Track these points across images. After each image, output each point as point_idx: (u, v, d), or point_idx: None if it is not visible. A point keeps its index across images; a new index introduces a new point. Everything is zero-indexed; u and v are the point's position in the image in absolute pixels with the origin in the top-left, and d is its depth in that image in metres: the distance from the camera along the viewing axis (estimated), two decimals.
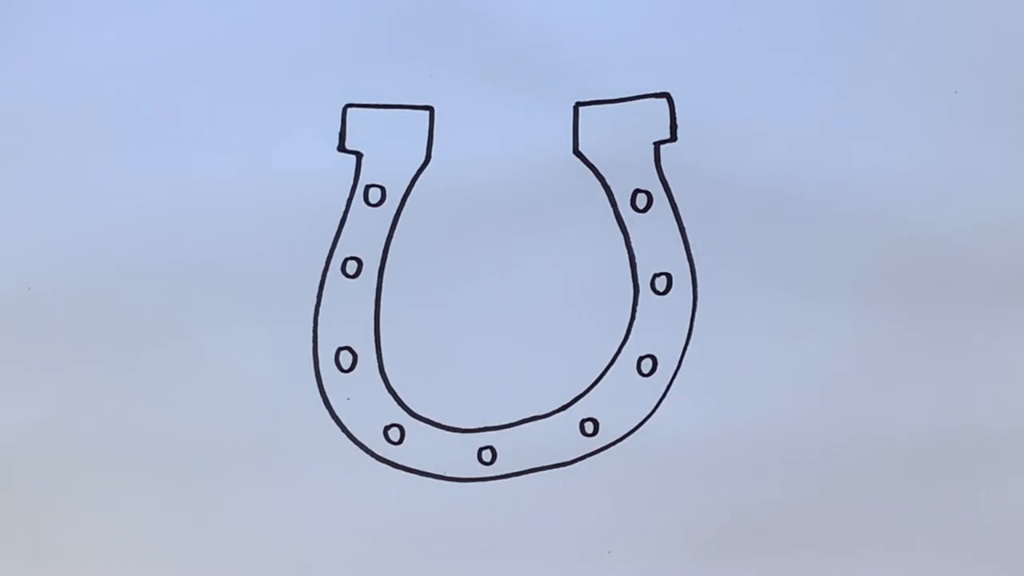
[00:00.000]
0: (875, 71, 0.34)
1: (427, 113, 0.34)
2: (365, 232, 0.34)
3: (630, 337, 0.35)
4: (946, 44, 0.34)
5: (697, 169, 0.34)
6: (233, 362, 0.34)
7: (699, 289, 0.35)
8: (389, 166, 0.34)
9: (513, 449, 0.35)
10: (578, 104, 0.34)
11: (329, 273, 0.34)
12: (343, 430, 0.35)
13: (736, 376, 0.35)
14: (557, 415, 0.35)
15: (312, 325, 0.34)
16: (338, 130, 0.34)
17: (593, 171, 0.34)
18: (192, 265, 0.34)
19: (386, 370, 0.35)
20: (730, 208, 0.34)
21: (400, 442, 0.35)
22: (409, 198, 0.34)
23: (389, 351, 0.35)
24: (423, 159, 0.34)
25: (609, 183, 0.34)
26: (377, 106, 0.34)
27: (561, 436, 0.35)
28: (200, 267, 0.34)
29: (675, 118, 0.34)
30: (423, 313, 0.34)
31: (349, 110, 0.34)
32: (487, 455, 0.35)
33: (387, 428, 0.35)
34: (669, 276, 0.35)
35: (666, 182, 0.34)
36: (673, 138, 0.34)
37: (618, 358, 0.35)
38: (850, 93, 0.34)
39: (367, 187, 0.34)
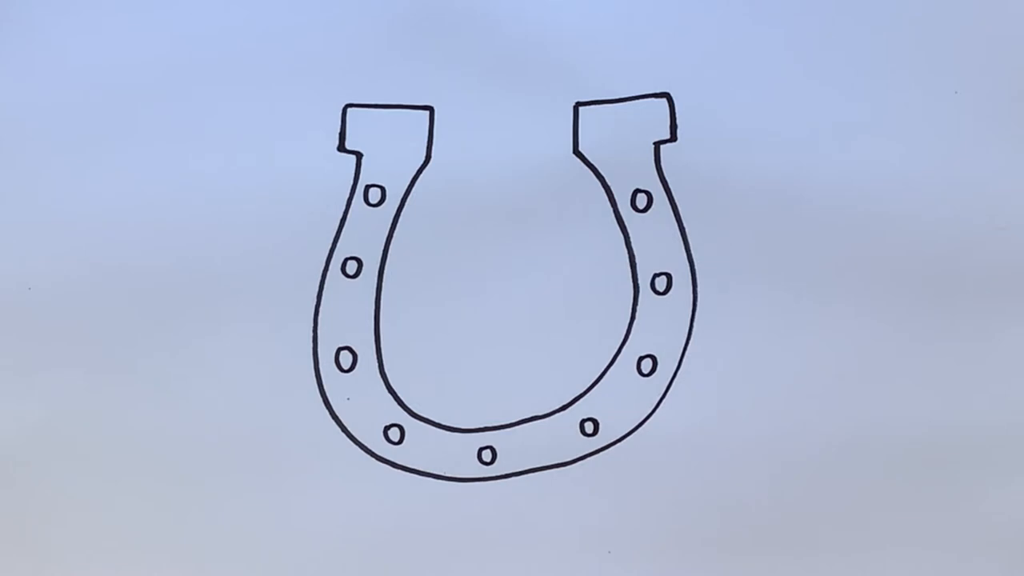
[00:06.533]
0: (875, 71, 0.34)
1: (427, 113, 0.34)
2: (365, 232, 0.34)
3: (630, 337, 0.35)
4: (946, 44, 0.34)
5: (697, 169, 0.34)
6: (233, 362, 0.34)
7: (699, 289, 0.35)
8: (389, 166, 0.34)
9: (513, 449, 0.35)
10: (578, 104, 0.34)
11: (329, 273, 0.34)
12: (343, 430, 0.35)
13: (736, 376, 0.35)
14: (557, 415, 0.35)
15: (312, 325, 0.34)
16: (338, 130, 0.34)
17: (593, 171, 0.34)
18: (192, 265, 0.34)
19: (386, 370, 0.35)
20: (730, 208, 0.34)
21: (400, 442, 0.35)
22: (409, 198, 0.34)
23: (389, 351, 0.35)
24: (423, 159, 0.34)
25: (609, 183, 0.34)
26: (377, 106, 0.34)
27: (561, 436, 0.35)
28: (200, 267, 0.34)
29: (675, 118, 0.34)
30: (423, 313, 0.34)
31: (349, 110, 0.34)
32: (487, 455, 0.35)
33: (387, 428, 0.35)
34: (669, 276, 0.35)
35: (666, 182, 0.34)
36: (673, 138, 0.34)
37: (618, 358, 0.35)
38: (850, 93, 0.34)
39: (367, 187, 0.34)
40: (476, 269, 0.34)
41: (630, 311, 0.35)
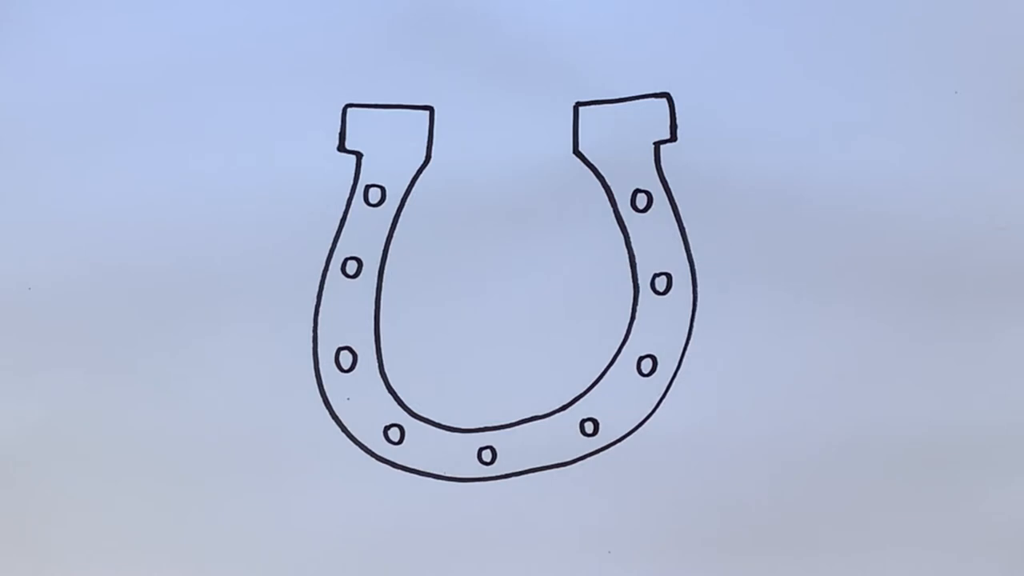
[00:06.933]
0: (875, 71, 0.34)
1: (427, 113, 0.34)
2: (365, 232, 0.34)
3: (630, 337, 0.35)
4: (946, 44, 0.34)
5: (697, 169, 0.34)
6: (233, 362, 0.34)
7: (699, 289, 0.35)
8: (389, 166, 0.34)
9: (513, 449, 0.35)
10: (578, 104, 0.34)
11: (329, 273, 0.34)
12: (343, 430, 0.35)
13: (736, 376, 0.35)
14: (557, 415, 0.35)
15: (312, 325, 0.34)
16: (338, 130, 0.34)
17: (593, 171, 0.34)
18: (192, 265, 0.34)
19: (386, 370, 0.35)
20: (730, 208, 0.34)
21: (400, 442, 0.35)
22: (409, 198, 0.34)
23: (389, 351, 0.35)
24: (423, 159, 0.34)
25: (609, 183, 0.34)
26: (377, 106, 0.34)
27: (561, 436, 0.35)
28: (200, 267, 0.34)
29: (675, 118, 0.34)
30: (423, 313, 0.34)
31: (349, 110, 0.34)
32: (487, 455, 0.35)
33: (387, 428, 0.35)
34: (669, 276, 0.35)
35: (666, 182, 0.34)
36: (673, 138, 0.34)
37: (618, 358, 0.35)
38: (850, 93, 0.34)
39: (367, 187, 0.34)
40: (476, 269, 0.34)
41: (630, 311, 0.35)
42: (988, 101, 0.34)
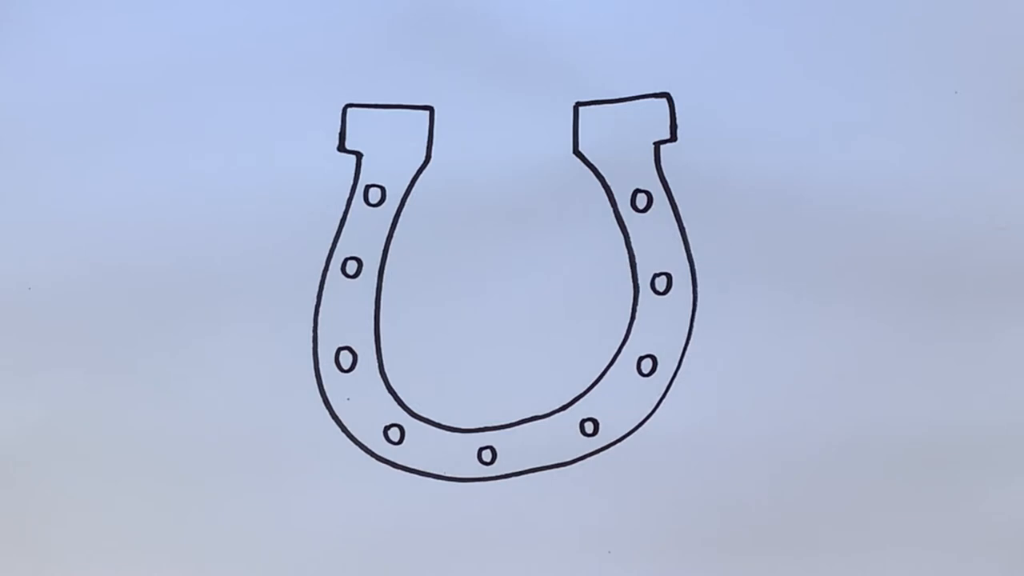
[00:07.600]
0: (875, 71, 0.34)
1: (427, 113, 0.34)
2: (365, 232, 0.34)
3: (630, 337, 0.35)
4: (946, 44, 0.34)
5: (697, 169, 0.34)
6: (233, 362, 0.34)
7: (699, 289, 0.35)
8: (389, 166, 0.34)
9: (513, 449, 0.35)
10: (578, 104, 0.34)
11: (329, 273, 0.34)
12: (343, 430, 0.35)
13: (736, 376, 0.35)
14: (557, 415, 0.35)
15: (312, 325, 0.34)
16: (338, 130, 0.34)
17: (593, 171, 0.34)
18: (192, 265, 0.34)
19: (386, 370, 0.35)
20: (730, 208, 0.34)
21: (400, 442, 0.35)
22: (409, 198, 0.34)
23: (389, 351, 0.35)
24: (423, 159, 0.34)
25: (609, 183, 0.34)
26: (377, 106, 0.34)
27: (561, 436, 0.35)
28: (200, 267, 0.34)
29: (675, 118, 0.34)
30: (423, 313, 0.34)
31: (349, 110, 0.34)
32: (487, 455, 0.35)
33: (387, 428, 0.35)
34: (669, 276, 0.35)
35: (666, 182, 0.34)
36: (673, 138, 0.34)
37: (618, 358, 0.35)
38: (850, 93, 0.34)
39: (367, 187, 0.34)
40: (476, 269, 0.34)
41: (630, 311, 0.35)
42: (988, 101, 0.34)
